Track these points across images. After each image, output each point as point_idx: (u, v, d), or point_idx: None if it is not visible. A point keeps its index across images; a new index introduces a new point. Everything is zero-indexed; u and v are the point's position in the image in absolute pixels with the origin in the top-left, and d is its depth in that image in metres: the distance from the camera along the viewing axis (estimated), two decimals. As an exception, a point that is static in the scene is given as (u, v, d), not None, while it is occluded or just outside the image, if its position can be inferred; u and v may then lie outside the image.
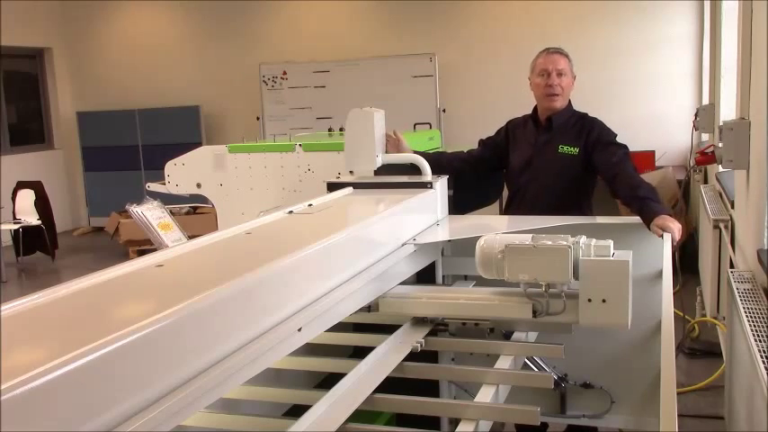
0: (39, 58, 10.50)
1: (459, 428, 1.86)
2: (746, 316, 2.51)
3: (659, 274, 2.54)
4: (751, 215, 3.14)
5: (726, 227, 4.08)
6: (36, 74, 10.54)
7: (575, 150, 3.22)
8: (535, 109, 3.35)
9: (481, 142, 3.53)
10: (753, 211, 3.08)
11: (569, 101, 3.33)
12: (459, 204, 3.21)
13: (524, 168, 3.30)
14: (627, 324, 2.09)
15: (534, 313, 2.19)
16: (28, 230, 8.24)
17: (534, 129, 3.33)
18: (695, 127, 6.22)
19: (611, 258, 2.09)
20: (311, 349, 2.18)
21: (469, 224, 2.94)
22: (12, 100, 10.21)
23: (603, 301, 2.07)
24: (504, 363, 2.22)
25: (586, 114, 3.32)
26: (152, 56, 10.22)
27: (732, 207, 3.98)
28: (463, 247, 2.69)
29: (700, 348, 4.58)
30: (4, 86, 9.88)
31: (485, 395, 2.02)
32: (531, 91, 3.35)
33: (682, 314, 4.37)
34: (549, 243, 2.11)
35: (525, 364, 2.53)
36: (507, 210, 3.40)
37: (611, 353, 2.80)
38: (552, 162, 3.24)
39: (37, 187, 8.42)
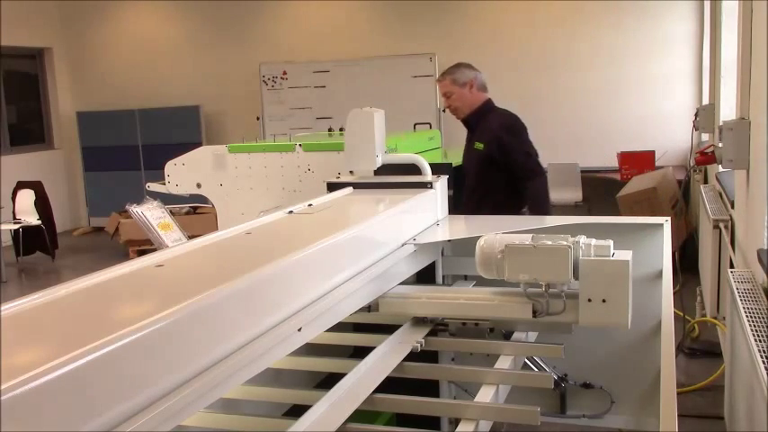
0: (39, 58, 10.50)
1: (459, 428, 1.86)
2: (746, 316, 2.50)
3: (659, 274, 2.54)
4: (751, 215, 3.14)
5: (726, 227, 4.07)
6: (36, 74, 10.54)
7: (481, 146, 3.63)
8: None
9: None
10: (753, 211, 3.08)
11: (488, 99, 3.79)
12: (459, 204, 3.23)
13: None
14: (627, 324, 2.09)
15: (534, 313, 2.19)
16: (28, 230, 8.24)
17: None
18: (695, 127, 6.21)
19: (611, 258, 2.09)
20: (311, 349, 2.18)
21: (469, 224, 2.94)
22: (12, 100, 10.20)
23: (603, 301, 2.07)
24: (504, 363, 2.22)
25: (491, 111, 3.75)
26: (152, 56, 10.22)
27: (732, 207, 3.98)
28: (463, 247, 2.69)
29: (700, 348, 4.57)
30: (4, 86, 9.88)
31: (485, 395, 2.02)
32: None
33: (682, 314, 4.37)
34: (549, 243, 2.11)
35: (525, 364, 2.53)
36: None
37: (611, 353, 2.80)
38: (469, 160, 3.71)
39: (37, 187, 8.42)
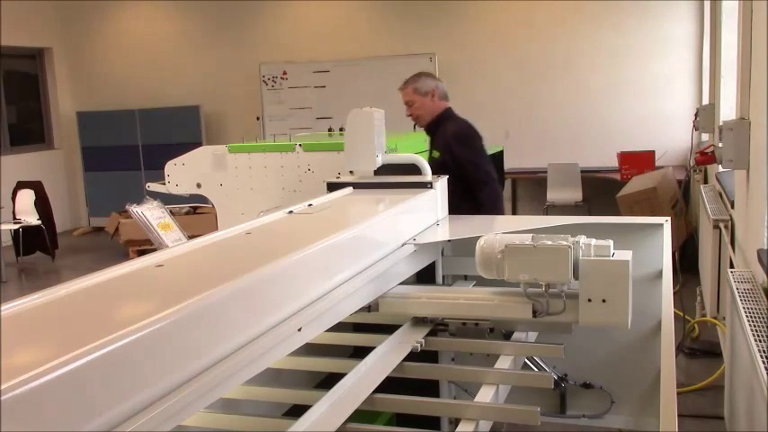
0: (39, 58, 10.50)
1: (459, 428, 1.86)
2: (746, 316, 2.51)
3: (659, 274, 2.54)
4: (751, 215, 3.14)
5: (726, 227, 4.07)
6: (36, 74, 10.54)
7: (437, 154, 3.73)
8: None
9: None
10: (753, 211, 3.08)
11: (448, 108, 3.88)
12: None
13: None
14: (627, 324, 2.09)
15: (534, 313, 2.19)
16: (28, 230, 8.24)
17: None
18: (695, 127, 6.22)
19: (611, 258, 2.09)
20: (311, 349, 2.18)
21: (469, 224, 2.94)
22: (12, 100, 10.20)
23: (603, 300, 2.07)
24: (504, 363, 2.22)
25: (449, 120, 3.83)
26: (152, 56, 10.22)
27: (732, 207, 3.98)
28: (463, 247, 2.69)
29: (700, 348, 4.58)
30: (4, 86, 9.88)
31: (485, 395, 2.02)
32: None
33: (682, 314, 4.37)
34: (549, 243, 2.11)
35: (525, 364, 2.53)
36: None
37: (611, 353, 2.80)
38: (431, 167, 3.77)
39: (37, 187, 8.42)
